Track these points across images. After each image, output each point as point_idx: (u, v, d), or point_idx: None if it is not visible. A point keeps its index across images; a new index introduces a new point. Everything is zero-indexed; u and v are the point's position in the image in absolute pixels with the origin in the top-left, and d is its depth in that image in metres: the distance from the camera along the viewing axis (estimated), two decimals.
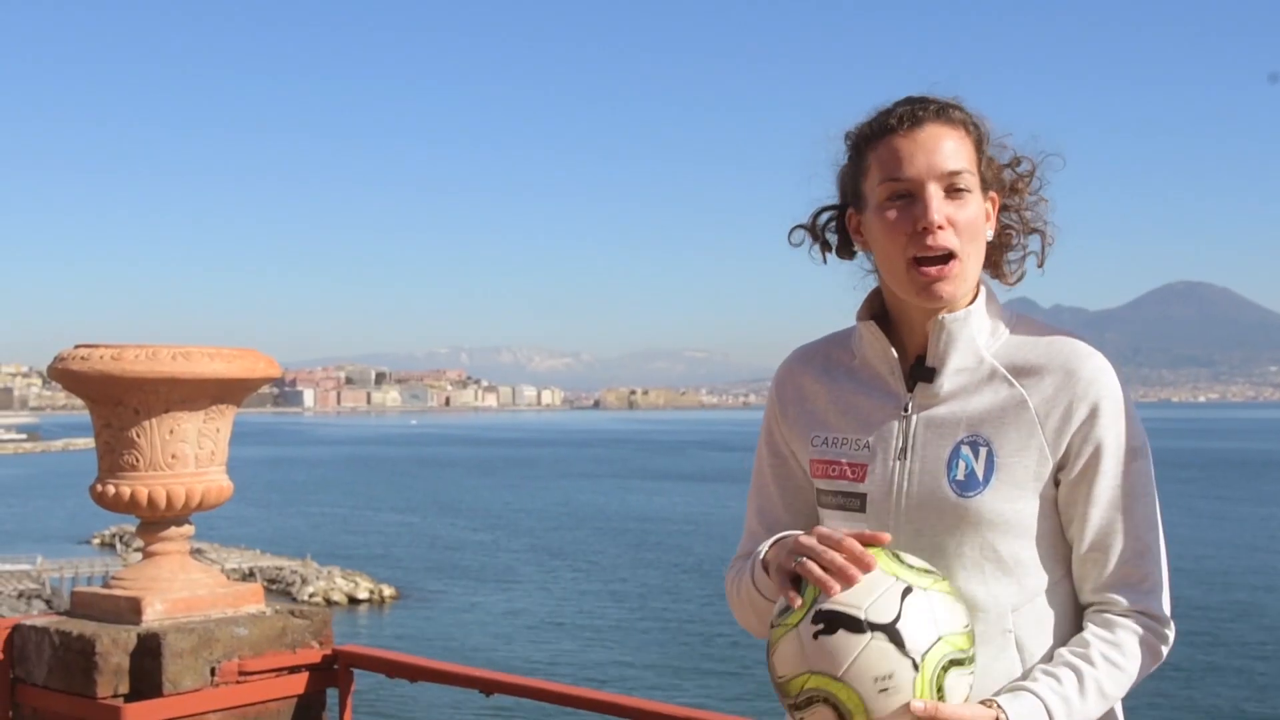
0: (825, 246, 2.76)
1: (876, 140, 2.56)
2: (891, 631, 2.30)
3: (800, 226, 2.77)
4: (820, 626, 2.32)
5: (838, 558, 2.31)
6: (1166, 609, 2.52)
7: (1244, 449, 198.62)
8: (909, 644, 2.30)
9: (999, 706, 2.36)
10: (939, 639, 2.32)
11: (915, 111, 2.53)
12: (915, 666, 2.30)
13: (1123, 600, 2.49)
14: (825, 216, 2.74)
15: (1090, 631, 2.51)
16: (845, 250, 2.74)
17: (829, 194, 2.75)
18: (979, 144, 2.58)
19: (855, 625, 2.30)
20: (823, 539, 2.36)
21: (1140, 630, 2.48)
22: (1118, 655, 2.45)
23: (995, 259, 2.70)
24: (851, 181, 2.65)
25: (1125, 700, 2.67)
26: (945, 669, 2.32)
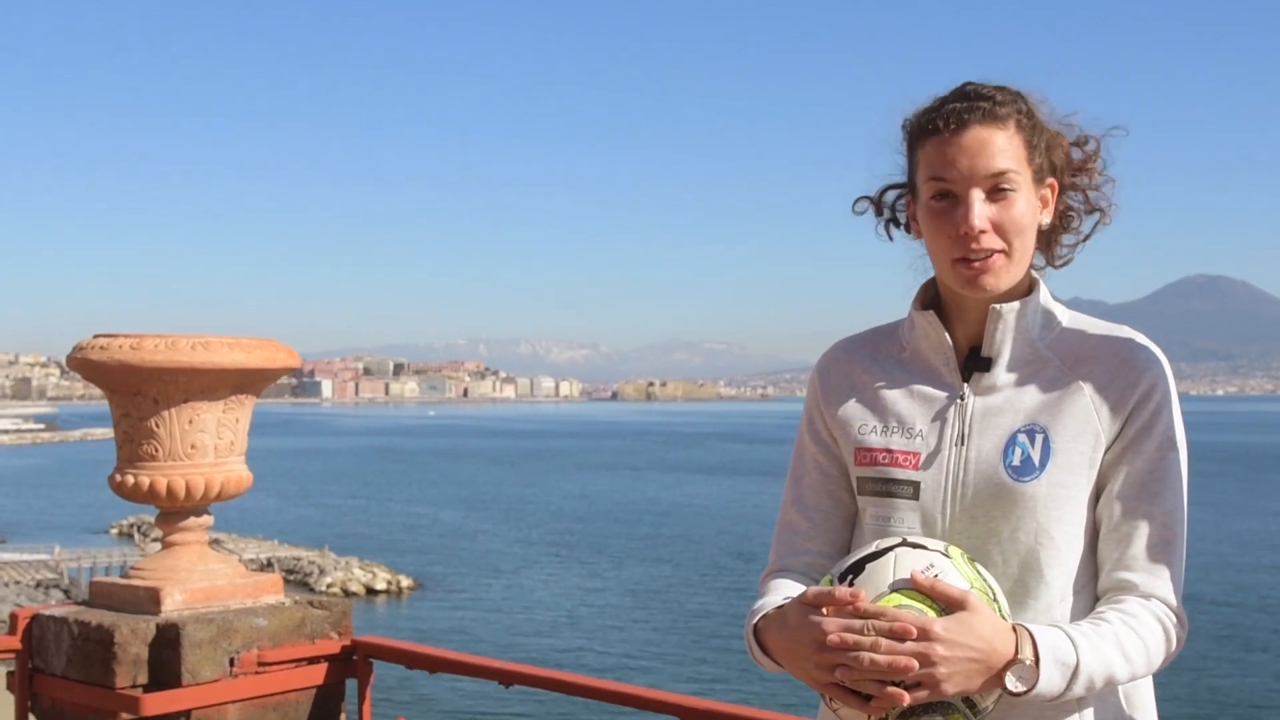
0: (893, 223, 2.77)
1: (925, 138, 2.57)
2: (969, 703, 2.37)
3: (865, 198, 2.79)
4: None
5: (881, 659, 2.28)
6: (1180, 605, 2.49)
7: (1265, 442, 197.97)
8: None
9: (1023, 625, 2.37)
10: None
11: (960, 113, 2.53)
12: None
13: (1139, 584, 2.47)
14: (894, 194, 2.76)
15: (1103, 605, 2.49)
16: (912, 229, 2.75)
17: (890, 171, 2.76)
18: (1031, 134, 2.57)
19: (945, 709, 2.37)
20: (845, 628, 2.32)
21: (1156, 613, 2.46)
22: (1134, 622, 2.43)
23: (1052, 241, 2.72)
24: (908, 169, 2.66)
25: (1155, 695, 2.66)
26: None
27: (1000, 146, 2.51)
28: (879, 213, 2.78)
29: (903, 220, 2.75)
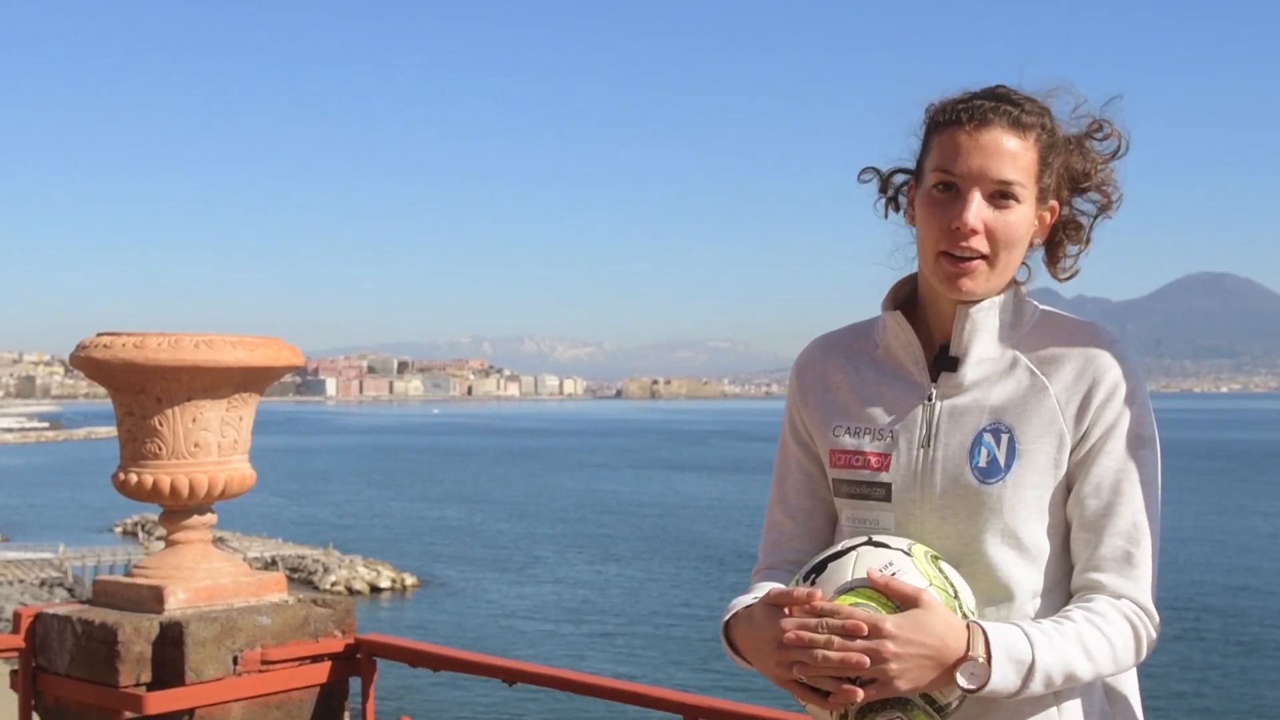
0: (893, 204, 2.76)
1: (944, 127, 2.57)
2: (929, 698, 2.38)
3: (873, 169, 2.78)
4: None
5: (833, 655, 2.31)
6: (1153, 604, 2.50)
7: (1270, 440, 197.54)
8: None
9: (978, 623, 2.38)
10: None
11: (986, 111, 2.53)
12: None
13: (1109, 584, 2.48)
14: (901, 178, 2.74)
15: (1072, 604, 2.50)
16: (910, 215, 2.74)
17: (902, 156, 2.74)
18: (1048, 153, 2.57)
19: (905, 706, 2.38)
20: (801, 626, 2.35)
21: (1125, 612, 2.46)
22: (1100, 621, 2.44)
23: (1057, 253, 2.72)
24: (920, 154, 2.66)
25: (1146, 699, 2.66)
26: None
27: (1015, 155, 2.52)
28: (883, 190, 2.77)
29: (902, 204, 2.73)
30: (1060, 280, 2.73)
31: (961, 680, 2.32)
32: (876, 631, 2.28)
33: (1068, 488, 2.54)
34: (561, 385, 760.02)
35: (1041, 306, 2.66)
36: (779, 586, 2.52)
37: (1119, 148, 2.68)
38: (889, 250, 2.77)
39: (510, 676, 4.61)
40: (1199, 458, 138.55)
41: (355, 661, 4.94)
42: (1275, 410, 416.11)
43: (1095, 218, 2.70)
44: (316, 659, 4.87)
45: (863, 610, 2.31)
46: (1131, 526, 2.49)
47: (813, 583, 2.43)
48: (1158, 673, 40.87)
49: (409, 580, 67.35)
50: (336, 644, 4.92)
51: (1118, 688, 2.60)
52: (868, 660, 2.27)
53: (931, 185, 2.55)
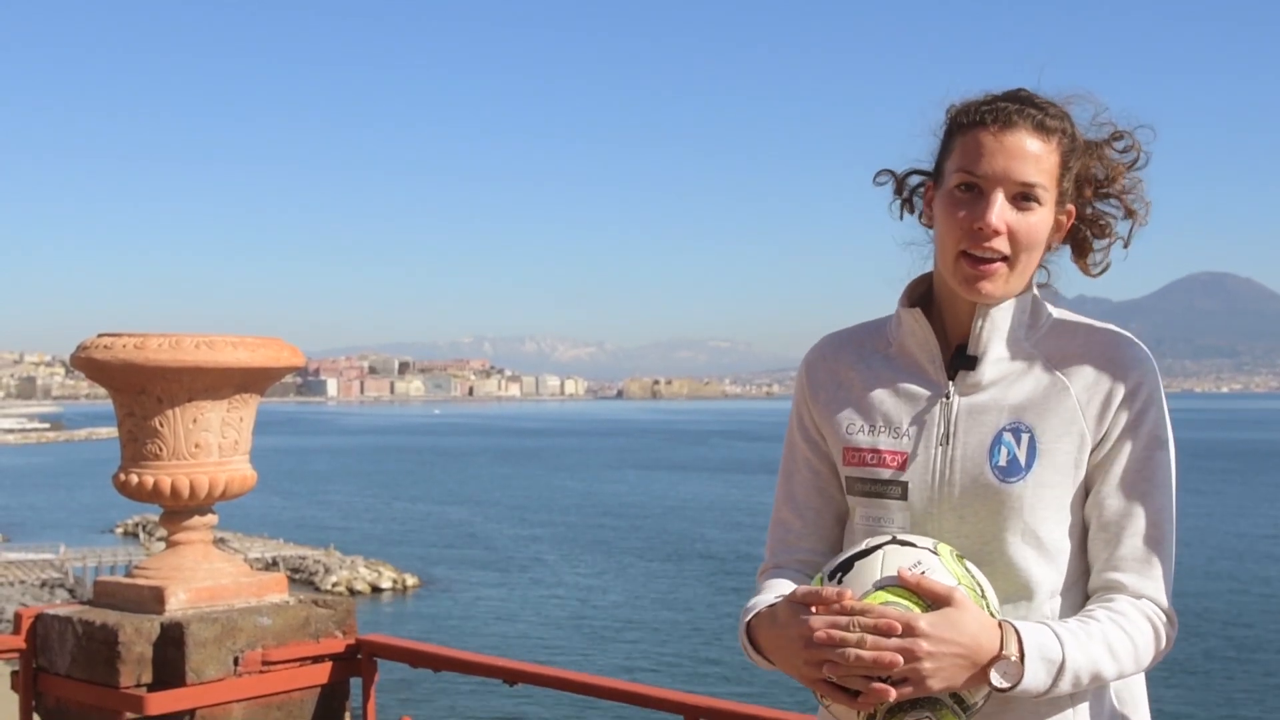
0: (908, 206, 2.77)
1: (967, 128, 2.57)
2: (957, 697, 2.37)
3: (889, 172, 2.79)
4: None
5: (866, 654, 2.28)
6: (1170, 604, 2.51)
7: (1270, 439, 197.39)
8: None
9: (1009, 621, 2.37)
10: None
11: (1011, 113, 2.54)
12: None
13: (1129, 584, 2.49)
14: (916, 179, 2.75)
15: (1093, 604, 2.51)
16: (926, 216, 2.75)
17: (919, 156, 2.75)
18: (1068, 157, 2.59)
19: (934, 705, 2.36)
20: (832, 625, 2.33)
21: (1146, 612, 2.48)
22: (1124, 621, 2.44)
23: (1085, 248, 2.73)
24: (939, 155, 2.66)
25: (1151, 699, 2.67)
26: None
27: (1038, 158, 2.53)
28: (899, 191, 2.78)
29: (918, 206, 2.75)
30: (1092, 275, 2.74)
31: (995, 679, 2.31)
32: (910, 630, 2.27)
33: (1086, 489, 2.55)
34: (562, 385, 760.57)
35: (1057, 309, 2.67)
36: (801, 585, 2.49)
37: (1138, 159, 2.68)
38: (899, 249, 2.78)
39: (510, 677, 4.62)
40: (1199, 458, 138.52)
41: (356, 662, 4.95)
42: (1275, 410, 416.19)
43: (1132, 227, 2.71)
44: (317, 659, 4.87)
45: (895, 609, 2.30)
46: (1151, 527, 2.50)
47: (839, 581, 2.41)
48: (1157, 673, 40.67)
49: (410, 581, 67.41)
50: (337, 644, 4.92)
51: (1128, 688, 2.62)
52: (901, 659, 2.26)
53: (953, 186, 2.56)
